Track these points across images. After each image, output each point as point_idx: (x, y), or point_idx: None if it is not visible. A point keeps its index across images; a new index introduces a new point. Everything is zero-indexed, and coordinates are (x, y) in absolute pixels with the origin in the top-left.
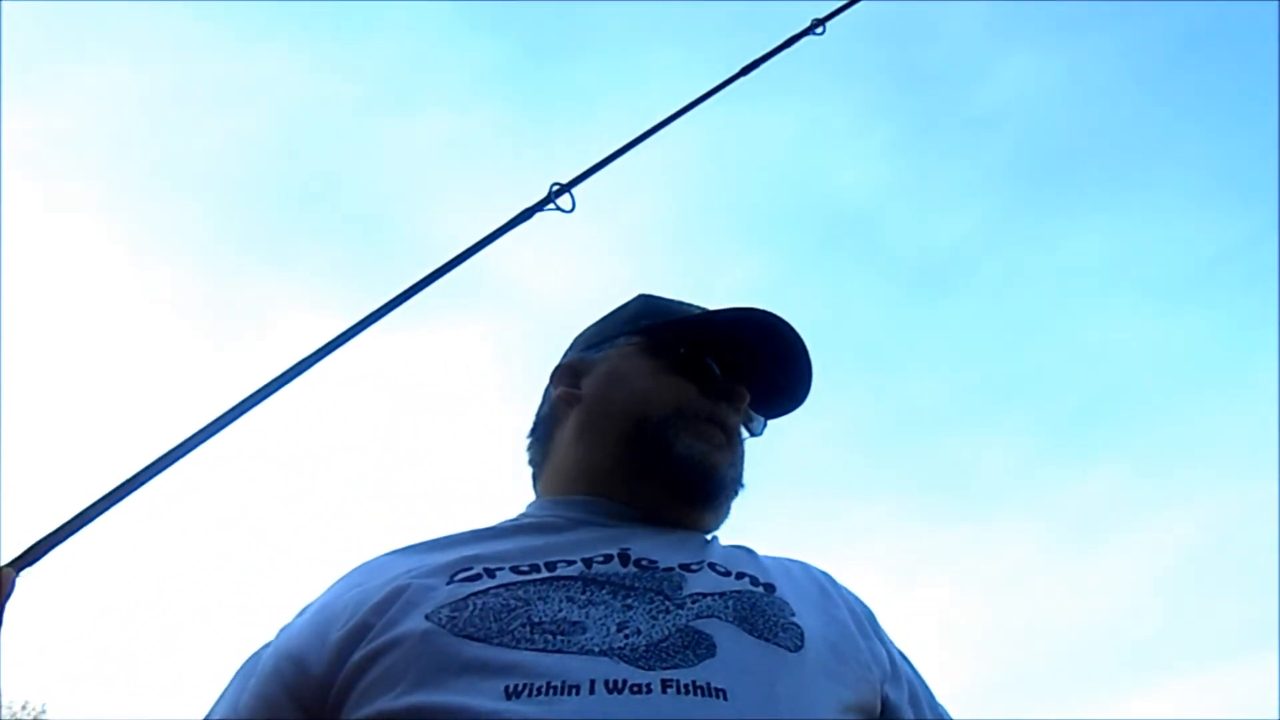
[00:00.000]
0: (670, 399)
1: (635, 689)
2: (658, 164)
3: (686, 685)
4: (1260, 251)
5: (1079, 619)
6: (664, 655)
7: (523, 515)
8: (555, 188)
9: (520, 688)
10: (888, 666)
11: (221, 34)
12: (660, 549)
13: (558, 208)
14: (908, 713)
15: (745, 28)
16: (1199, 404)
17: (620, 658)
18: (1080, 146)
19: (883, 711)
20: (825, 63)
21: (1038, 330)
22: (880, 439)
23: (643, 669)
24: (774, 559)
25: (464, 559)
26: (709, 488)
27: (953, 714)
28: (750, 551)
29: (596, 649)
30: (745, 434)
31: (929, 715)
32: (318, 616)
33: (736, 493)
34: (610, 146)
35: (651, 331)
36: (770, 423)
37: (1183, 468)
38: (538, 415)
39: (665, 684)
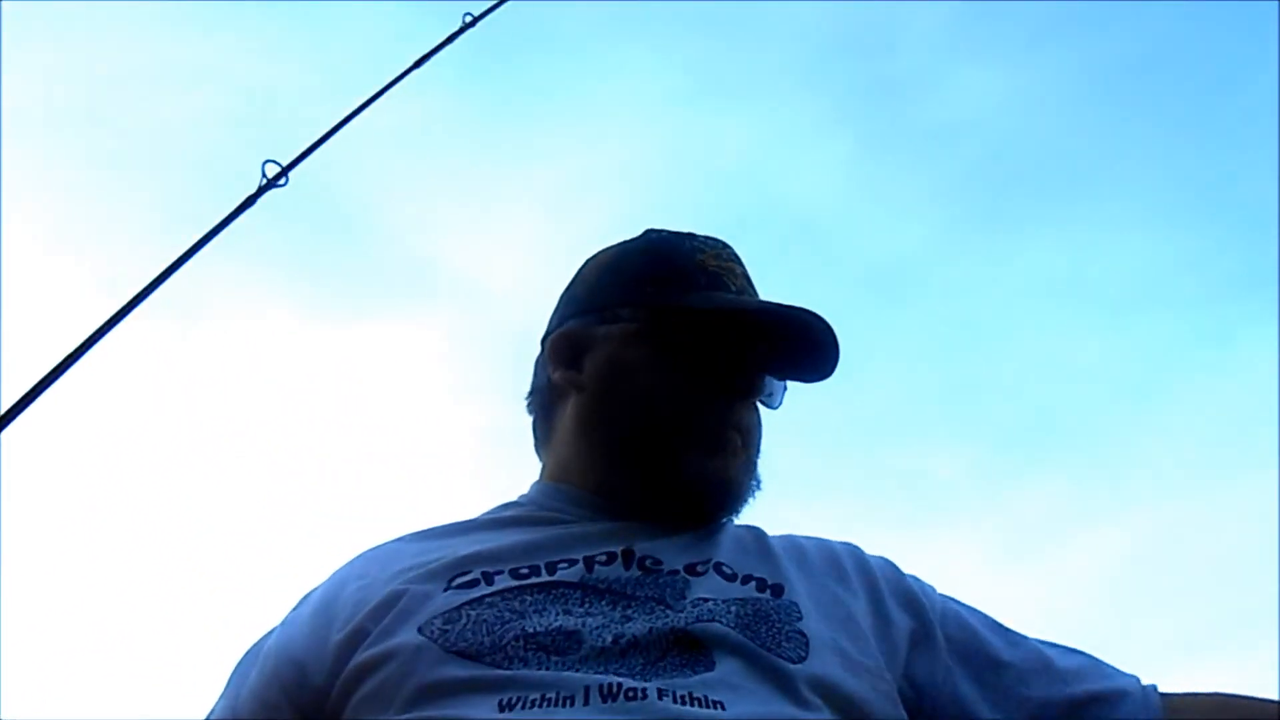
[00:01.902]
0: (678, 404)
1: (630, 694)
2: (617, 165)
3: (682, 696)
4: (1206, 268)
5: (1020, 625)
6: (660, 671)
7: (529, 499)
8: (271, 168)
9: (514, 700)
10: (904, 651)
11: (174, 14)
12: (665, 547)
13: (274, 185)
14: (952, 673)
15: (712, 28)
16: (1143, 417)
17: (615, 673)
18: (1035, 160)
19: (920, 689)
20: (784, 69)
21: (987, 340)
22: (829, 443)
23: (639, 680)
24: (787, 542)
25: (464, 560)
26: (721, 505)
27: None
28: (761, 536)
29: (591, 664)
30: (762, 408)
31: (988, 642)
32: (319, 616)
33: (753, 493)
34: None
35: (659, 313)
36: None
37: (1125, 479)
38: (534, 383)
39: (661, 692)
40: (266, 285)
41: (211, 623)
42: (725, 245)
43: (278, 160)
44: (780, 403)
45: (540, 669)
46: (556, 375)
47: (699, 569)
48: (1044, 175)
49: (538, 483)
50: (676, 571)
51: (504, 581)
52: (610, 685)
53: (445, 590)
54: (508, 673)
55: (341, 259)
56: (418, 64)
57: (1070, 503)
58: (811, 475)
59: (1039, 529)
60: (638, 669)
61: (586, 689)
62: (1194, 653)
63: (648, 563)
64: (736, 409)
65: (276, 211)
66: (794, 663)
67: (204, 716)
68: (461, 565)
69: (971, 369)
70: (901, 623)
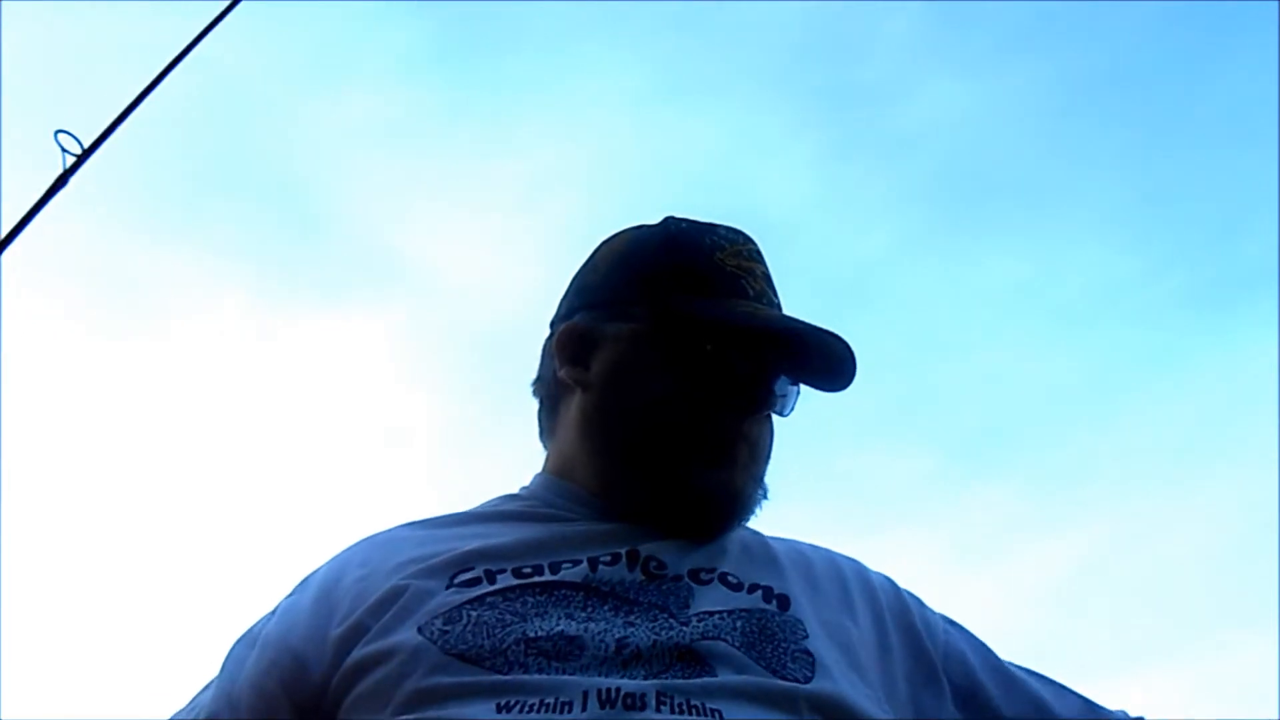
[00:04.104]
0: (686, 414)
1: (629, 701)
2: (582, 163)
3: (680, 704)
4: (1162, 282)
5: (975, 632)
6: (661, 678)
7: (531, 492)
8: (69, 140)
9: (512, 704)
10: (903, 685)
11: None
12: (670, 550)
13: (80, 165)
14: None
15: (677, 27)
16: (1097, 428)
17: (616, 678)
18: (998, 170)
19: None
20: (753, 71)
21: (946, 347)
22: (785, 445)
23: (639, 685)
24: (793, 550)
25: (467, 556)
26: (727, 517)
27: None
28: (765, 542)
29: (593, 670)
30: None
31: (988, 692)
32: (318, 605)
33: (759, 504)
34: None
35: (671, 316)
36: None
37: (1078, 489)
38: (540, 371)
39: (660, 698)
40: (228, 275)
41: (162, 613)
42: (747, 240)
43: (73, 133)
44: (792, 409)
45: (540, 673)
46: (562, 372)
47: (703, 576)
48: (1007, 186)
49: (540, 474)
50: (680, 577)
51: (507, 580)
52: (610, 690)
53: (447, 588)
54: (507, 677)
55: (303, 249)
56: (215, 22)
57: (1024, 511)
58: (767, 477)
59: (993, 536)
60: (639, 678)
61: (585, 694)
62: (1142, 661)
63: (651, 565)
64: (747, 421)
65: (246, 205)
66: (800, 683)
67: (194, 698)
68: (464, 562)
69: (929, 376)
70: (901, 655)
